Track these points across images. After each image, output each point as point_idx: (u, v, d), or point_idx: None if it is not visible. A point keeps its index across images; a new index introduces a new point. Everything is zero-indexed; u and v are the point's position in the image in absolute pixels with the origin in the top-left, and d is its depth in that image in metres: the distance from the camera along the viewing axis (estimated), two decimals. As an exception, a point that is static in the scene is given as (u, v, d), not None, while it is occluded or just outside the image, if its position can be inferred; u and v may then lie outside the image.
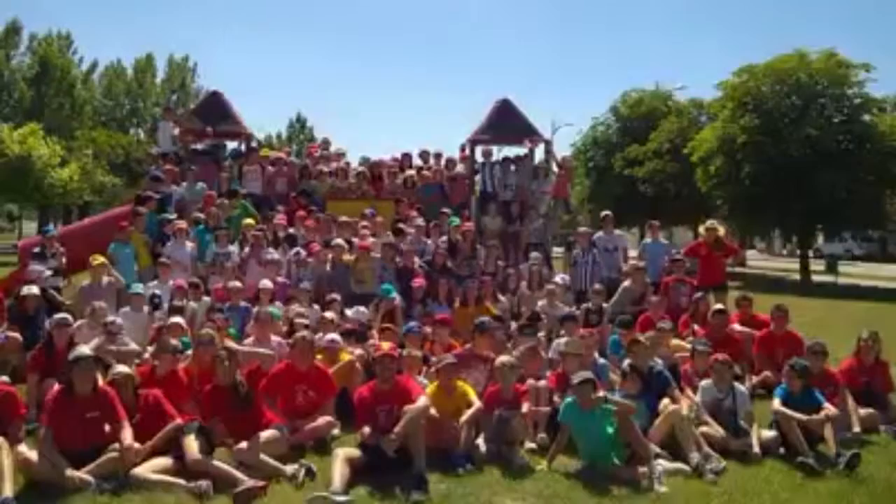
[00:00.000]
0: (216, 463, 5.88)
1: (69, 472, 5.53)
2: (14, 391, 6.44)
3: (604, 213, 13.95)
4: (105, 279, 10.44)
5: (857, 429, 7.18)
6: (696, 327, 9.80)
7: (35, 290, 9.56)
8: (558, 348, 8.11)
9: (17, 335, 8.63)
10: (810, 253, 31.71)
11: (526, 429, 6.84)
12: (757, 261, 46.28)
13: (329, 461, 5.97)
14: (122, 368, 6.48)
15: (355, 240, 11.88)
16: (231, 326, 9.15)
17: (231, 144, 15.83)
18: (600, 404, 6.29)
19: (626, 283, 11.33)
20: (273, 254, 11.35)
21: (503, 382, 7.08)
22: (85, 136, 44.11)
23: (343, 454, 5.93)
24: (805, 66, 27.62)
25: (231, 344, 7.64)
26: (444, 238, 12.40)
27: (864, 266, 38.48)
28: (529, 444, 6.81)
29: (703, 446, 6.46)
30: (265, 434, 6.16)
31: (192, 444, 5.97)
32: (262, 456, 5.98)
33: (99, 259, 10.53)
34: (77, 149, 39.75)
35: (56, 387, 6.25)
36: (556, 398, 7.04)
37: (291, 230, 12.25)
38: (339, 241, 11.55)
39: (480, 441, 6.64)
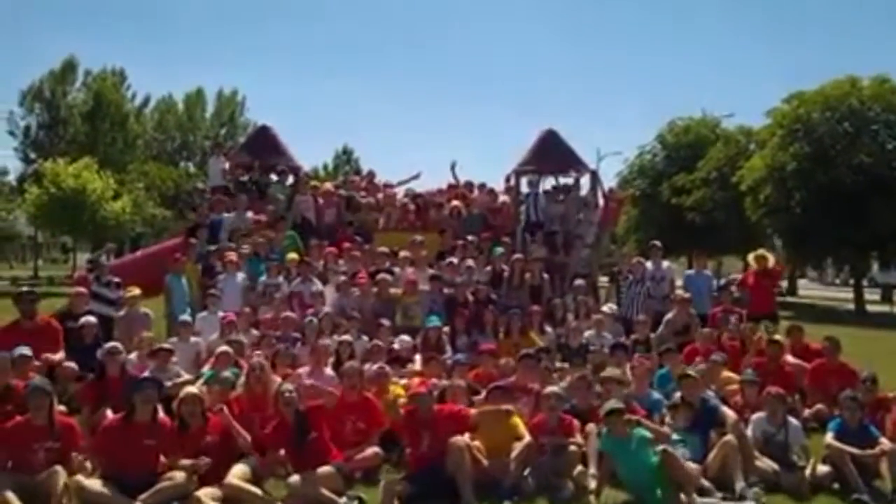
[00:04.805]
0: (251, 488, 5.96)
1: (122, 499, 5.60)
2: (73, 423, 6.54)
3: (652, 242, 13.86)
4: (142, 310, 10.62)
5: None
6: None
7: (93, 319, 9.69)
8: (598, 378, 8.03)
9: (72, 364, 8.81)
10: (864, 282, 31.06)
11: (580, 459, 6.71)
12: (809, 290, 45.40)
13: (376, 492, 5.99)
14: (191, 390, 6.58)
15: (396, 269, 11.97)
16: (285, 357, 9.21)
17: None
18: (633, 428, 6.21)
19: (670, 314, 11.21)
20: (318, 285, 11.46)
21: (550, 412, 7.03)
22: (137, 169, 45.24)
23: (390, 485, 5.95)
24: (857, 91, 27.34)
25: (303, 378, 7.89)
26: (488, 268, 12.39)
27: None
28: (592, 472, 6.54)
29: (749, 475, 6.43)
30: (322, 469, 6.18)
31: (234, 470, 6.08)
32: (320, 489, 6.00)
33: (133, 290, 10.71)
34: (129, 182, 40.72)
35: (113, 414, 6.37)
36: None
37: (341, 262, 12.35)
38: (385, 274, 11.59)
39: (527, 472, 6.58)
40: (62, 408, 7.24)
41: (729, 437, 6.60)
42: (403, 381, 8.35)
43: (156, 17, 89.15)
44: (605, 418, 6.31)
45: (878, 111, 26.95)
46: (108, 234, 37.25)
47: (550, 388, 7.30)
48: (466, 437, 6.44)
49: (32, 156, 48.44)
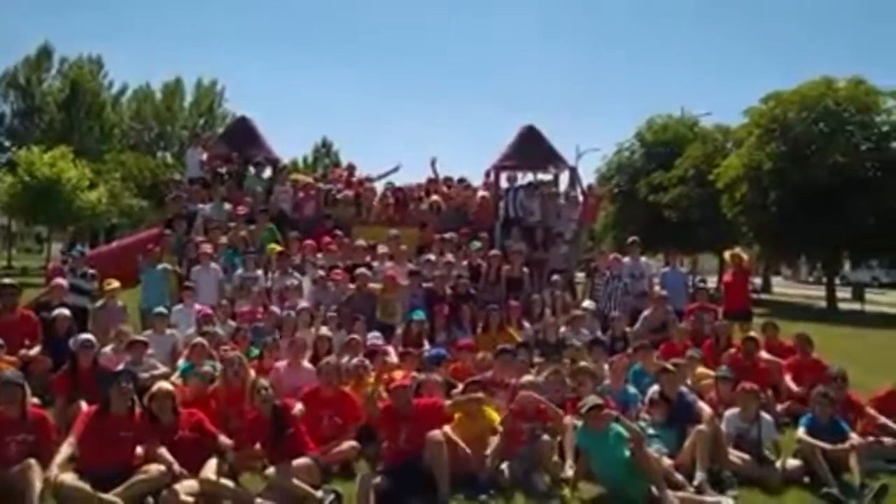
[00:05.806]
0: (227, 483, 5.93)
1: (96, 493, 5.50)
2: (46, 415, 6.46)
3: (631, 238, 13.94)
4: (119, 303, 10.56)
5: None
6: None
7: (66, 311, 9.60)
8: (569, 369, 8.10)
9: (45, 357, 8.73)
10: (836, 280, 31.43)
11: (554, 450, 6.72)
12: (783, 287, 45.87)
13: (353, 486, 5.99)
14: (163, 385, 6.51)
15: (375, 263, 11.97)
16: (254, 346, 9.20)
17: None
18: (610, 422, 6.25)
19: (647, 311, 11.28)
20: (296, 279, 11.42)
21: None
22: (114, 159, 44.70)
23: (366, 479, 5.95)
24: (832, 93, 27.62)
25: (281, 371, 8.01)
26: (465, 262, 12.41)
27: (892, 294, 37.97)
28: (569, 463, 6.63)
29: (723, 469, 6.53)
30: (298, 461, 6.14)
31: (210, 464, 6.01)
32: (294, 480, 5.95)
33: (113, 283, 10.63)
34: (105, 172, 40.23)
35: (87, 406, 6.30)
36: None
37: (320, 255, 12.32)
38: (364, 269, 11.57)
39: (505, 466, 6.60)
40: (35, 400, 7.18)
41: (701, 427, 6.66)
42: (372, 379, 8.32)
43: (134, 5, 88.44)
44: (585, 415, 6.32)
45: (852, 112, 27.22)
46: (83, 225, 36.87)
47: (527, 377, 7.39)
48: (444, 430, 6.43)
49: (6, 143, 47.73)
